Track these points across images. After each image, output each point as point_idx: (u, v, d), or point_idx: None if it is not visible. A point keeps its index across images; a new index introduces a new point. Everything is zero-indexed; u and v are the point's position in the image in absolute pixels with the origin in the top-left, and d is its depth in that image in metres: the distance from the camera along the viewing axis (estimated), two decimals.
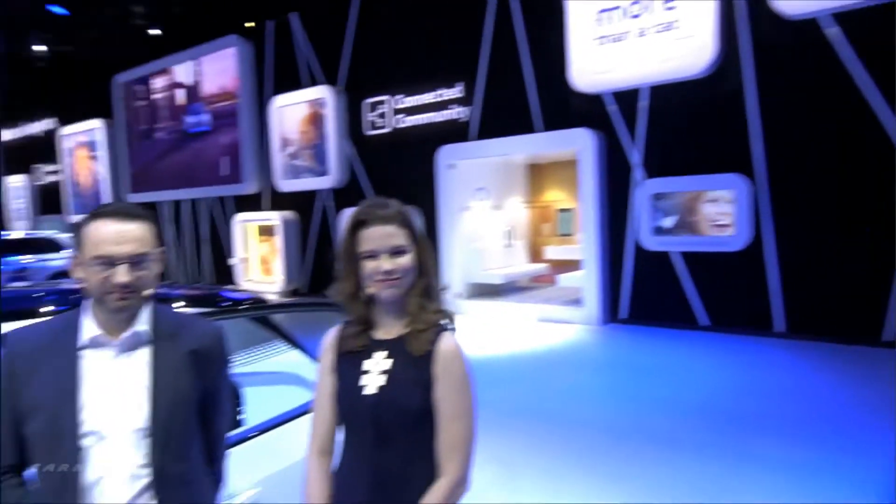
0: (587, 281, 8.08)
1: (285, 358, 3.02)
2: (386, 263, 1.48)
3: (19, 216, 19.27)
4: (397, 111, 9.93)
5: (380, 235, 1.50)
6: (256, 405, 2.39)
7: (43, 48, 14.56)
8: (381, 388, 1.50)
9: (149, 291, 1.61)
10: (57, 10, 12.44)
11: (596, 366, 6.63)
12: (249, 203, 12.34)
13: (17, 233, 15.81)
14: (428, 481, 1.50)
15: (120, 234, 1.54)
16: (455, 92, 9.27)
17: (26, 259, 11.89)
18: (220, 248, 13.10)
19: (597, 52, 7.61)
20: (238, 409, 2.30)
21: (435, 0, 9.40)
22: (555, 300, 8.89)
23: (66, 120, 16.92)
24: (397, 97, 9.88)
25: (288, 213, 11.48)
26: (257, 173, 12.10)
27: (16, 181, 19.24)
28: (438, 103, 9.48)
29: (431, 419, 1.51)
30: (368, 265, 1.49)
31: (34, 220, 18.66)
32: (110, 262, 1.51)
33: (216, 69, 12.26)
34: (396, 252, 1.49)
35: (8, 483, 1.57)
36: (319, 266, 11.00)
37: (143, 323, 1.62)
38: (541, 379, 6.03)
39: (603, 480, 3.64)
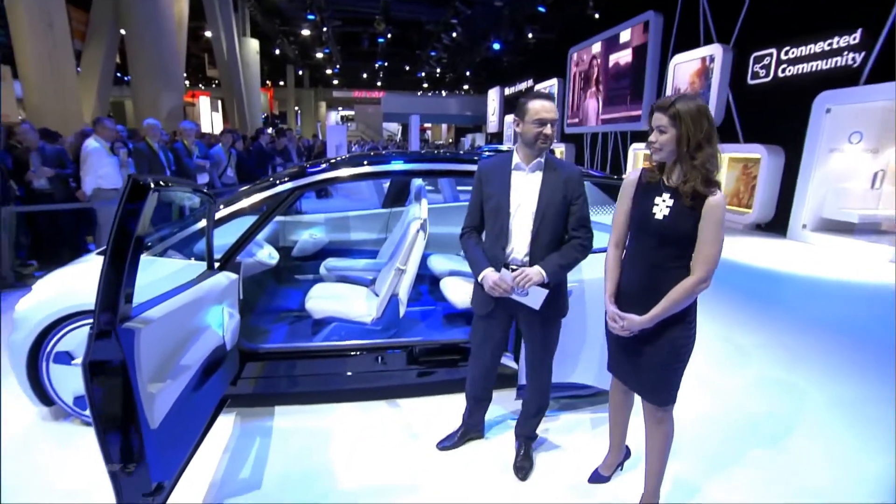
0: None
1: None
2: (653, 136, 1.60)
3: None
4: (781, 62, 8.36)
5: (655, 118, 1.59)
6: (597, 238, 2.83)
7: (530, 35, 16.41)
8: (665, 216, 1.62)
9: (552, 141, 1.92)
10: (541, 8, 13.91)
11: None
12: (641, 135, 12.25)
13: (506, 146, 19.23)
14: (684, 273, 1.62)
15: (546, 107, 1.86)
16: (851, 38, 7.25)
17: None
18: (619, 167, 13.47)
19: None
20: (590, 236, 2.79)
21: None
22: None
23: (538, 80, 18.72)
24: (784, 49, 8.28)
25: None
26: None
27: (508, 119, 22.67)
28: (828, 51, 7.60)
29: (694, 238, 1.58)
30: (650, 136, 1.64)
31: None
32: (543, 122, 1.86)
33: (635, 37, 12.13)
34: (660, 130, 1.58)
35: (470, 234, 2.05)
36: None
37: (541, 159, 1.95)
38: (867, 305, 4.74)
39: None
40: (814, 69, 7.84)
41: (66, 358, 2.25)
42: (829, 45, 7.57)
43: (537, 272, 1.88)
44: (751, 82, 8.96)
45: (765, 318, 4.22)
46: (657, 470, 1.88)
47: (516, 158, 1.96)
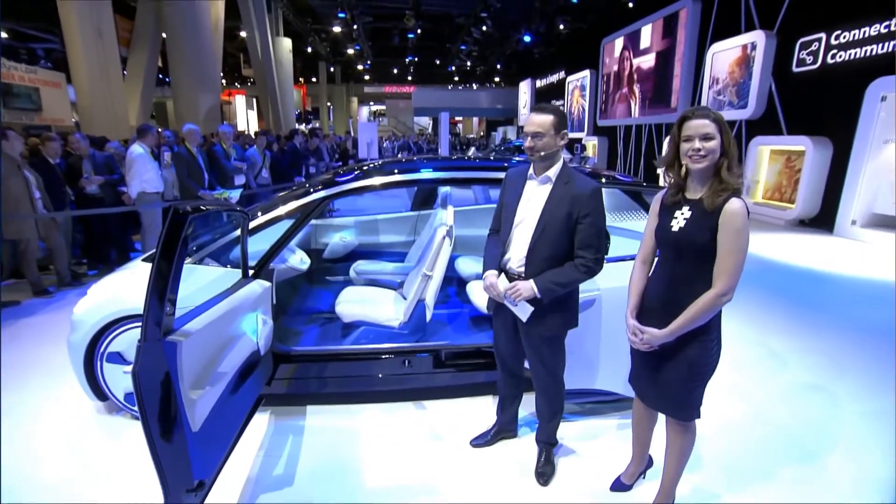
0: None
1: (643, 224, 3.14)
2: (696, 144, 1.54)
3: None
4: (830, 47, 7.92)
5: (696, 126, 1.54)
6: (617, 246, 2.59)
7: (561, 27, 16.09)
8: (680, 227, 1.61)
9: (545, 154, 1.89)
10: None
11: None
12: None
13: None
14: (703, 289, 1.58)
15: (531, 120, 1.89)
16: None
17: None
18: (651, 159, 13.08)
19: None
20: (608, 244, 2.57)
21: None
22: None
23: (570, 72, 18.38)
24: (835, 33, 7.83)
25: None
26: (687, 105, 11.46)
27: None
28: (884, 35, 7.14)
29: (712, 250, 1.56)
30: (685, 145, 1.56)
31: None
32: (527, 134, 1.91)
33: (668, 26, 11.72)
34: (706, 137, 1.53)
35: (491, 235, 2.14)
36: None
37: (553, 173, 1.94)
38: None
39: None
40: (867, 54, 7.39)
41: (117, 358, 2.44)
42: (886, 27, 7.12)
43: (528, 287, 1.89)
44: (796, 70, 8.54)
45: (804, 322, 4.06)
46: (674, 472, 1.90)
47: (531, 171, 2.01)
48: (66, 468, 2.28)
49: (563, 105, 18.59)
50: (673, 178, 1.66)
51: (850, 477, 2.25)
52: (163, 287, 1.35)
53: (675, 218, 1.64)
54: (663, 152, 1.68)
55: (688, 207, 1.62)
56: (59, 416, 2.68)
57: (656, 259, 1.79)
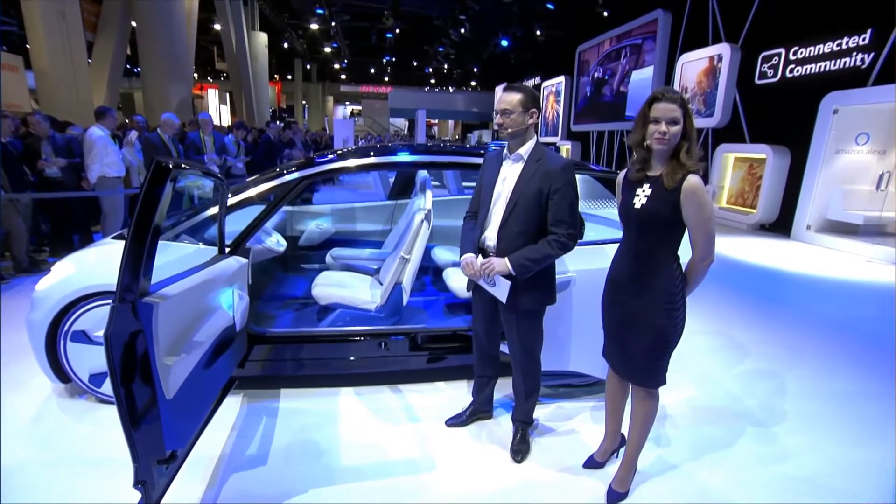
0: None
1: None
2: (662, 127, 1.59)
3: None
4: (789, 62, 8.35)
5: (665, 109, 1.58)
6: (591, 231, 2.72)
7: (538, 33, 16.37)
8: (643, 204, 1.68)
9: (512, 131, 1.95)
10: (549, 5, 13.86)
11: None
12: None
13: None
14: (667, 261, 1.69)
15: (501, 98, 1.97)
16: (860, 39, 7.23)
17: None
18: (623, 163, 13.39)
19: None
20: (582, 229, 2.66)
21: None
22: None
23: (545, 77, 18.70)
24: (793, 49, 8.26)
25: None
26: None
27: None
28: (837, 52, 7.58)
29: (673, 224, 1.64)
30: (652, 126, 1.62)
31: None
32: (497, 112, 2.00)
33: (641, 35, 12.10)
34: (672, 122, 1.58)
35: (468, 219, 2.17)
36: None
37: (524, 151, 2.00)
38: (867, 305, 4.71)
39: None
40: (822, 69, 7.83)
41: (82, 337, 2.35)
42: (839, 45, 7.56)
43: (501, 263, 1.92)
44: (758, 82, 8.95)
45: (765, 316, 4.26)
46: (638, 440, 1.95)
47: (506, 151, 2.06)
48: (23, 452, 2.17)
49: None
50: (639, 153, 1.72)
51: (801, 449, 2.39)
52: (141, 244, 1.32)
53: (637, 195, 1.70)
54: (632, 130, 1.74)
55: (648, 185, 1.68)
56: (15, 400, 2.56)
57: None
